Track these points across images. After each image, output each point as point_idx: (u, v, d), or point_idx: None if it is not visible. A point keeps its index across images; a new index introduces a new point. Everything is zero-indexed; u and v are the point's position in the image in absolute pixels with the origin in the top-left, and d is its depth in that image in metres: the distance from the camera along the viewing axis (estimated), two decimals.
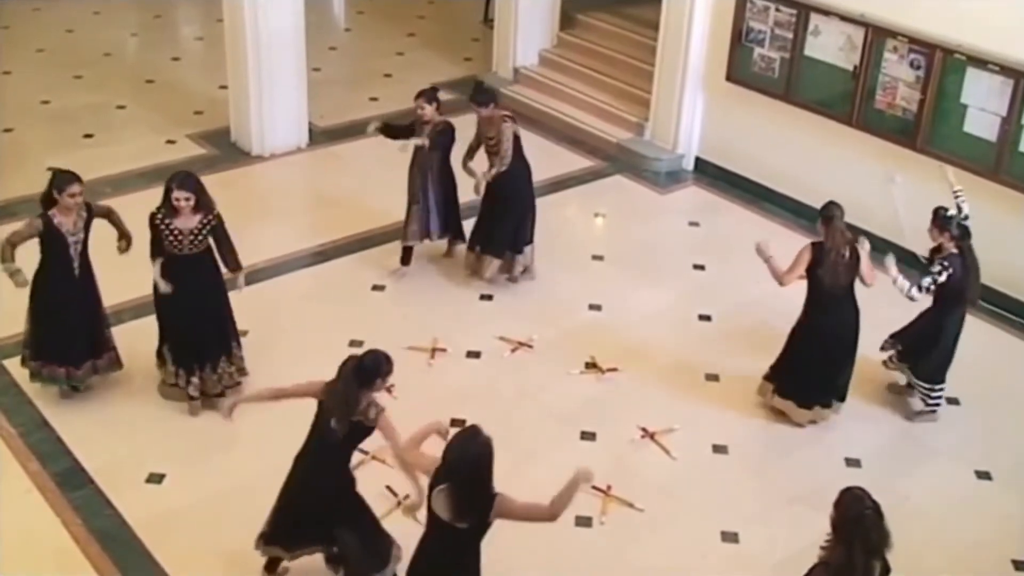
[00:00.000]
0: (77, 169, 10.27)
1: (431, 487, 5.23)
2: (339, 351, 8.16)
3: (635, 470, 7.29)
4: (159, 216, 7.15)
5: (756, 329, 8.57)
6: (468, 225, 9.16)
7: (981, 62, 8.81)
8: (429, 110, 8.70)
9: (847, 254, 7.24)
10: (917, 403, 7.89)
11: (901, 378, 8.00)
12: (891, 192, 9.68)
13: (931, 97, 9.18)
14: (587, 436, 7.55)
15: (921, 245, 9.57)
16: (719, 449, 7.53)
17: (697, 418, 7.76)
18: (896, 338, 7.91)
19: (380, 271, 9.22)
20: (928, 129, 9.29)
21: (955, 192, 7.74)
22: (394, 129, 8.93)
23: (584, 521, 6.81)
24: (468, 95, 8.97)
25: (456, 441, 5.23)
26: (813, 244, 7.28)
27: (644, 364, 8.29)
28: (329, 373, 7.96)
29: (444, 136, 8.74)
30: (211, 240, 7.25)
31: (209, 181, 10.35)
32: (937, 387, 7.79)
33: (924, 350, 7.73)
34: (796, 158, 10.37)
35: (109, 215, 7.54)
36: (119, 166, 10.68)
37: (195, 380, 7.44)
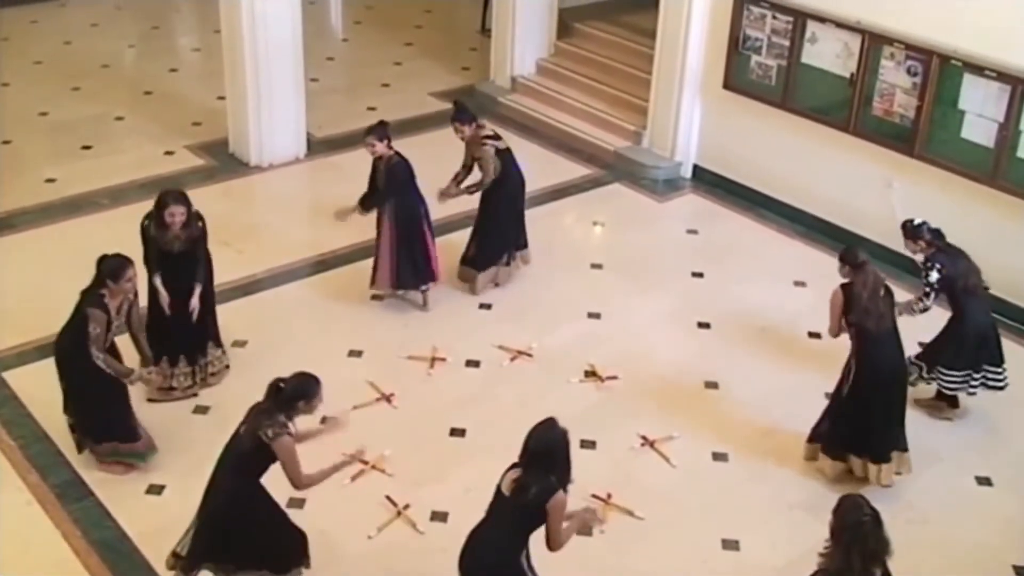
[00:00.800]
0: (76, 180, 10.33)
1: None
2: (338, 361, 8.24)
3: (635, 478, 7.28)
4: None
5: (755, 336, 8.58)
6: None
7: (978, 68, 8.83)
8: (380, 147, 8.43)
9: (883, 292, 6.99)
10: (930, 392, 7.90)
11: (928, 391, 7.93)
12: (889, 198, 9.72)
13: (928, 103, 9.19)
14: (587, 444, 7.54)
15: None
16: (719, 456, 7.52)
17: (697, 426, 7.76)
18: (920, 358, 7.86)
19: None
20: (925, 135, 9.30)
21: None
22: (367, 200, 8.66)
23: (584, 530, 6.80)
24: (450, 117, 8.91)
25: (535, 430, 5.42)
26: (843, 287, 7.00)
27: (643, 372, 8.29)
28: (327, 383, 7.98)
29: (395, 173, 8.47)
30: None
31: (208, 192, 10.53)
32: (951, 373, 7.70)
33: (939, 347, 7.77)
34: (794, 165, 10.38)
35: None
36: (117, 177, 10.69)
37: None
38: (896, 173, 9.60)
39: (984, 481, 7.41)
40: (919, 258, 7.68)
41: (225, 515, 5.82)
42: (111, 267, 6.68)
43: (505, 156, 8.81)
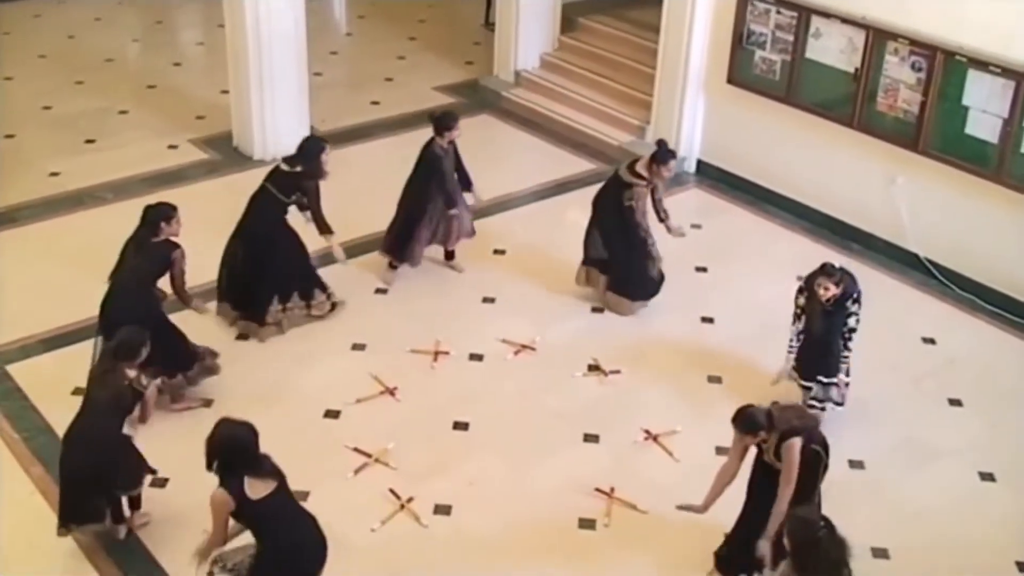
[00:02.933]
0: (80, 174, 10.34)
1: None
2: (342, 355, 8.24)
3: (638, 472, 7.29)
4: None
5: (758, 331, 8.57)
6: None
7: (982, 64, 8.81)
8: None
9: None
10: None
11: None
12: (893, 194, 9.71)
13: (932, 99, 9.18)
14: (590, 438, 7.55)
15: (923, 246, 9.62)
16: (722, 451, 7.46)
17: (700, 420, 7.76)
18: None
19: (382, 274, 9.23)
20: (929, 131, 9.29)
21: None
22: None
23: (587, 523, 6.81)
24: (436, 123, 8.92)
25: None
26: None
27: (647, 366, 8.29)
28: (333, 377, 8.01)
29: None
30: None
31: (211, 186, 10.54)
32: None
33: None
34: (797, 160, 10.38)
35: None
36: (121, 171, 10.69)
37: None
38: (900, 169, 9.59)
39: (987, 476, 7.41)
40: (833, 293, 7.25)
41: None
42: (163, 212, 7.30)
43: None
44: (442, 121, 8.86)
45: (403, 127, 11.71)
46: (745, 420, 5.92)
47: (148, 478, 6.57)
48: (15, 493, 6.86)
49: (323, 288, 8.58)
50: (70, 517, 6.29)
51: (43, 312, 8.48)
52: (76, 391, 7.60)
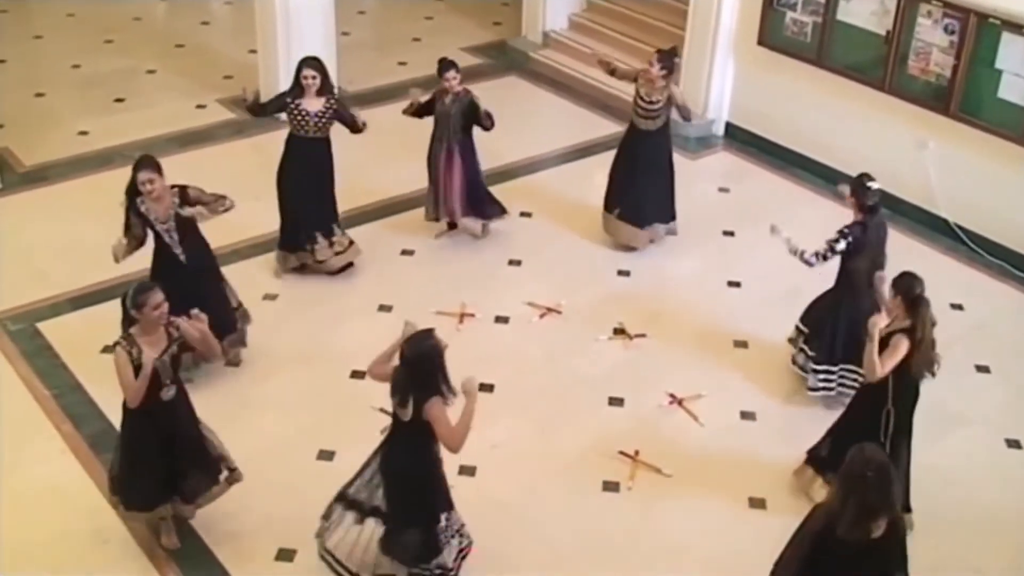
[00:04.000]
0: (108, 133, 10.38)
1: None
2: (369, 316, 8.28)
3: (663, 436, 7.30)
4: (288, 99, 8.15)
5: (785, 296, 8.53)
6: None
7: (1016, 27, 8.70)
8: (455, 83, 8.71)
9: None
10: (814, 382, 7.55)
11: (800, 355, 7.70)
12: (923, 159, 9.63)
13: (965, 63, 9.08)
14: (615, 402, 7.56)
15: (953, 212, 9.55)
16: (747, 416, 7.53)
17: (725, 384, 7.76)
18: (802, 320, 7.68)
19: (409, 236, 9.24)
20: (961, 95, 9.19)
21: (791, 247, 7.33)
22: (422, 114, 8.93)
23: (612, 486, 6.84)
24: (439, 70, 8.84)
25: (411, 339, 5.56)
26: (909, 335, 6.13)
27: (672, 330, 8.28)
28: (359, 338, 8.05)
29: (472, 108, 8.75)
30: (336, 122, 8.22)
31: (238, 146, 10.56)
32: (831, 368, 7.46)
33: (820, 331, 7.48)
34: (828, 124, 10.30)
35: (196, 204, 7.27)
36: (149, 131, 10.73)
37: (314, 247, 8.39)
38: (931, 133, 9.51)
39: (1013, 443, 7.38)
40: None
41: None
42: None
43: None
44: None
45: (431, 88, 11.66)
46: (899, 276, 6.25)
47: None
48: (46, 450, 6.93)
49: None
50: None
51: (72, 271, 8.55)
52: (105, 349, 7.67)
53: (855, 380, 7.24)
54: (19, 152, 10.30)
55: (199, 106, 11.39)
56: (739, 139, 11.12)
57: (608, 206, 9.10)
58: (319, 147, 8.30)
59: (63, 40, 12.86)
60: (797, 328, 7.72)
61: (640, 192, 8.89)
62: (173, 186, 7.09)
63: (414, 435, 5.59)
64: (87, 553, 6.24)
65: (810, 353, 7.53)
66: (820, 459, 6.70)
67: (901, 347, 6.09)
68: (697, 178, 10.58)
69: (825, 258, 7.21)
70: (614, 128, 11.26)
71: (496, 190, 9.30)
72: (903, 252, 8.94)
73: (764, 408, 7.57)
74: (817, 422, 7.41)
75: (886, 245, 7.36)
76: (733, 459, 7.12)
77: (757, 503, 6.80)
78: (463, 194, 8.93)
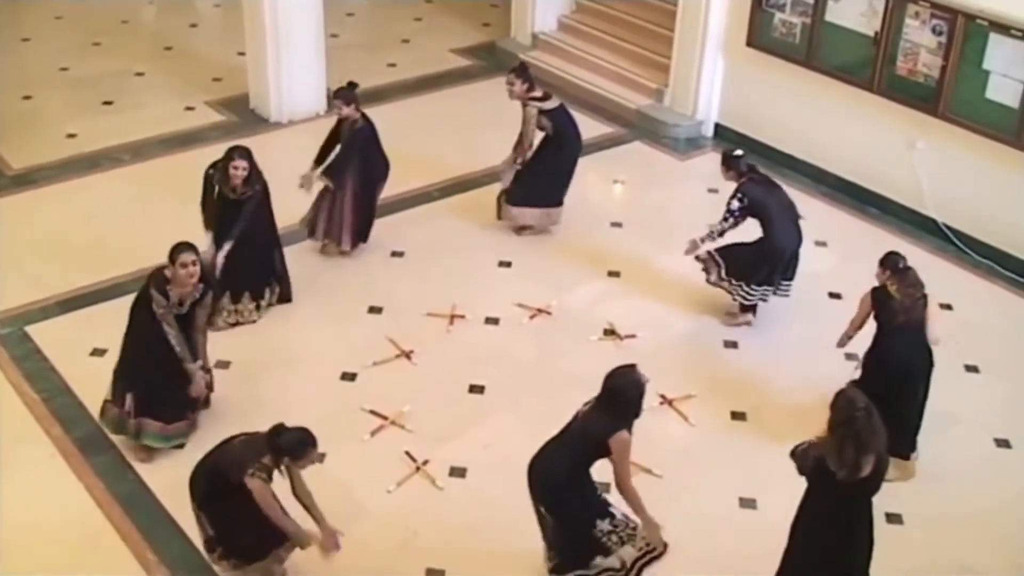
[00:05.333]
0: (97, 136, 10.35)
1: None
2: (359, 318, 8.27)
3: (653, 436, 7.27)
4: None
5: (775, 297, 8.54)
6: None
7: (1004, 28, 8.73)
8: (347, 110, 8.53)
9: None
10: (732, 305, 8.21)
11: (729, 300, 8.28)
12: (912, 159, 9.65)
13: (953, 63, 9.10)
14: None
15: (941, 212, 9.58)
16: (737, 415, 7.54)
17: (715, 385, 7.77)
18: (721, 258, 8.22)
19: (399, 237, 9.24)
20: (950, 95, 9.21)
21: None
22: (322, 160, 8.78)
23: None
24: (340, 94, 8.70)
25: (617, 371, 5.82)
26: (874, 291, 6.88)
27: (662, 331, 8.29)
28: (349, 339, 8.03)
29: (359, 135, 8.61)
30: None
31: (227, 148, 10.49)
32: (748, 287, 8.09)
33: (737, 250, 8.11)
34: (816, 124, 10.32)
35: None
36: (138, 133, 10.70)
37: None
38: (919, 133, 9.53)
39: (1003, 443, 7.40)
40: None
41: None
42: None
43: (556, 115, 8.97)
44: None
45: (420, 89, 11.69)
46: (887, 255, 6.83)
47: None
48: (35, 454, 6.91)
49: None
50: None
51: (61, 273, 8.52)
52: (94, 352, 7.68)
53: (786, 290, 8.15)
54: (7, 155, 10.27)
55: (188, 108, 11.37)
56: (728, 140, 11.11)
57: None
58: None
59: (51, 42, 12.82)
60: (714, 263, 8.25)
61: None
62: (201, 280, 6.70)
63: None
64: (77, 556, 6.22)
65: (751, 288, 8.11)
66: None
67: (864, 299, 6.87)
68: (686, 179, 10.60)
69: (727, 220, 7.92)
70: (603, 129, 11.29)
71: (485, 191, 9.30)
72: None
73: (754, 408, 7.58)
74: (807, 422, 7.42)
75: (795, 205, 8.09)
76: (723, 459, 7.14)
77: (747, 503, 6.81)
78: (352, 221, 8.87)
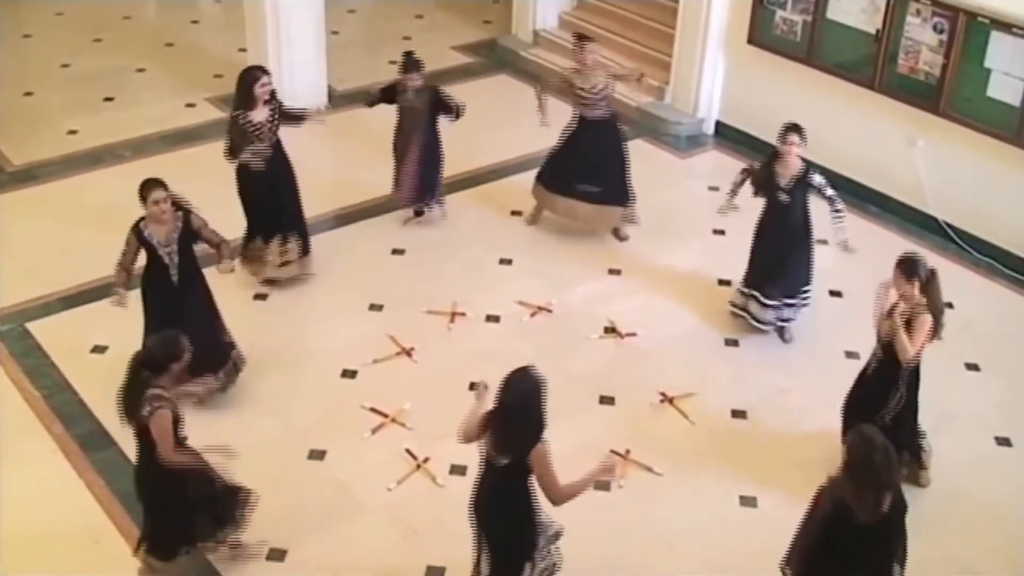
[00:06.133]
0: (98, 132, 10.34)
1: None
2: (359, 315, 8.27)
3: (654, 434, 7.31)
4: (239, 114, 7.95)
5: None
6: None
7: (1005, 25, 8.72)
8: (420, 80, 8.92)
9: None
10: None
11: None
12: (913, 157, 9.65)
13: (954, 61, 9.10)
14: (606, 400, 7.57)
15: (942, 210, 9.58)
16: (738, 414, 7.54)
17: (716, 383, 7.77)
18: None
19: (399, 235, 9.24)
20: (951, 93, 9.21)
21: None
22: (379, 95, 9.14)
23: (602, 484, 6.83)
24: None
25: (509, 378, 5.33)
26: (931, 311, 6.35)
27: (663, 329, 8.29)
28: (350, 337, 8.04)
29: (438, 98, 8.98)
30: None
31: None
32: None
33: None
34: (818, 122, 10.23)
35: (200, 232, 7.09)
36: (139, 129, 10.71)
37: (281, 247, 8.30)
38: (920, 131, 9.53)
39: (1003, 441, 7.40)
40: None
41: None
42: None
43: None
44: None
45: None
46: (908, 263, 6.31)
47: None
48: (37, 450, 6.92)
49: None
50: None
51: (62, 270, 8.53)
52: (95, 349, 7.69)
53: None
54: (8, 151, 10.28)
55: (189, 105, 11.37)
56: (729, 138, 11.13)
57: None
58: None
59: (52, 39, 12.82)
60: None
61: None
62: (176, 207, 6.82)
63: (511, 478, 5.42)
64: (77, 553, 6.23)
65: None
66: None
67: (927, 324, 6.26)
68: (687, 177, 10.60)
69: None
70: None
71: (486, 188, 9.31)
72: (892, 250, 8.96)
73: (755, 406, 7.58)
74: (807, 420, 7.44)
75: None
76: (724, 457, 7.14)
77: (748, 501, 6.81)
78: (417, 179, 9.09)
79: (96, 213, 9.12)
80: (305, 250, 8.47)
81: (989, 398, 7.78)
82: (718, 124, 11.26)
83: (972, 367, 8.05)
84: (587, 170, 8.95)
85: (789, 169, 7.76)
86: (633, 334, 8.20)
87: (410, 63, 8.91)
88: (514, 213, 9.59)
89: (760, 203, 8.01)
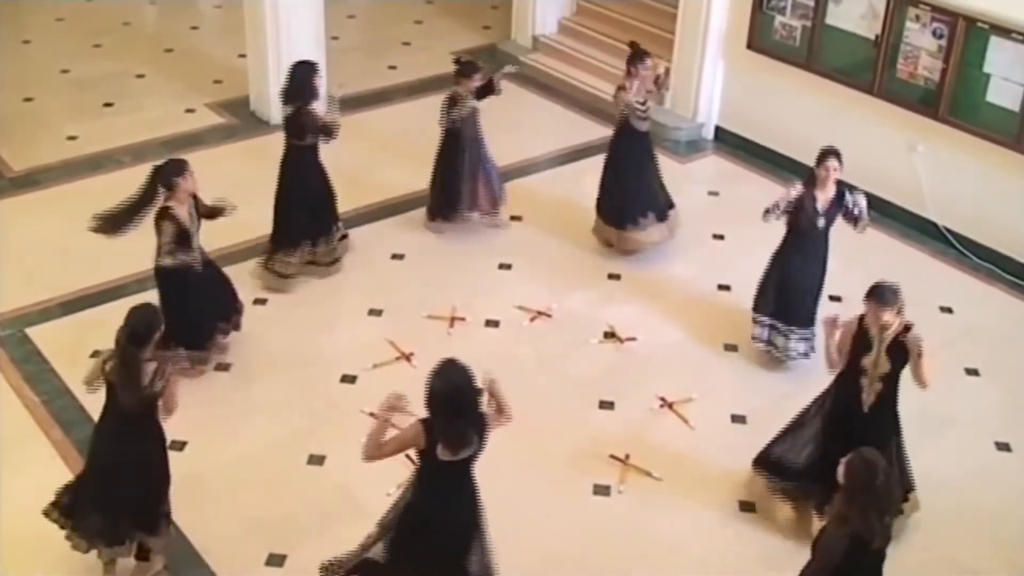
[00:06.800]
0: (98, 138, 10.34)
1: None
2: (359, 320, 8.27)
3: (653, 439, 7.30)
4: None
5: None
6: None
7: (1004, 31, 8.73)
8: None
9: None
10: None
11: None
12: (912, 162, 9.65)
13: (953, 66, 9.11)
14: (606, 405, 7.56)
15: (942, 215, 9.58)
16: (737, 419, 7.53)
17: (715, 388, 7.77)
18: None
19: (400, 239, 9.24)
20: (950, 98, 9.22)
21: None
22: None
23: (602, 490, 6.84)
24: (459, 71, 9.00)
25: (435, 378, 5.33)
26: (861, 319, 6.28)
27: (663, 334, 8.29)
28: (349, 341, 8.03)
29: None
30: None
31: (228, 151, 10.54)
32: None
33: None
34: (817, 127, 10.29)
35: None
36: (139, 135, 10.71)
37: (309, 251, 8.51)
38: (920, 136, 9.53)
39: (1003, 447, 7.40)
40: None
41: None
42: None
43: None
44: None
45: (421, 92, 11.67)
46: (883, 292, 6.01)
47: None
48: (37, 456, 6.92)
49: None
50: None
51: (62, 275, 8.53)
52: (95, 354, 7.65)
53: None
54: (8, 157, 10.28)
55: (188, 110, 11.37)
56: (728, 143, 11.14)
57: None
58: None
59: (52, 44, 12.82)
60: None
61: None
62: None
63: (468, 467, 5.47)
64: (77, 558, 6.21)
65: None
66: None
67: (924, 342, 6.12)
68: (687, 182, 10.58)
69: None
70: (604, 132, 11.22)
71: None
72: (892, 255, 9.03)
73: (754, 411, 7.57)
74: None
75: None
76: (723, 462, 7.12)
77: (747, 506, 6.80)
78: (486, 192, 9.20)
79: None
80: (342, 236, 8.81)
81: (989, 403, 7.78)
82: (718, 129, 11.26)
83: (972, 372, 8.05)
84: (648, 199, 9.00)
85: (826, 194, 7.66)
86: (633, 339, 8.20)
87: (467, 66, 8.97)
88: (514, 218, 9.58)
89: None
